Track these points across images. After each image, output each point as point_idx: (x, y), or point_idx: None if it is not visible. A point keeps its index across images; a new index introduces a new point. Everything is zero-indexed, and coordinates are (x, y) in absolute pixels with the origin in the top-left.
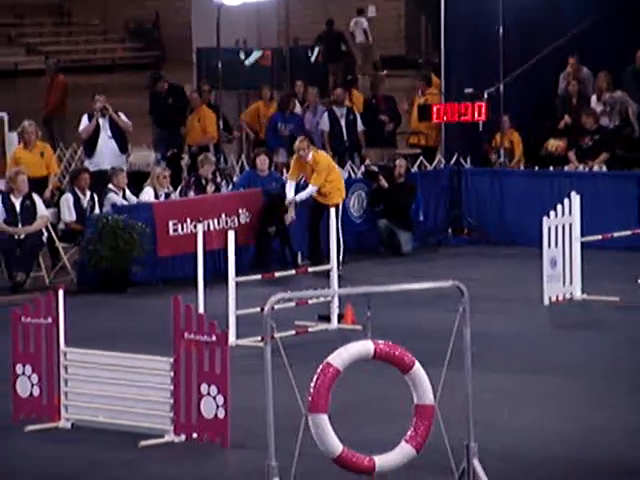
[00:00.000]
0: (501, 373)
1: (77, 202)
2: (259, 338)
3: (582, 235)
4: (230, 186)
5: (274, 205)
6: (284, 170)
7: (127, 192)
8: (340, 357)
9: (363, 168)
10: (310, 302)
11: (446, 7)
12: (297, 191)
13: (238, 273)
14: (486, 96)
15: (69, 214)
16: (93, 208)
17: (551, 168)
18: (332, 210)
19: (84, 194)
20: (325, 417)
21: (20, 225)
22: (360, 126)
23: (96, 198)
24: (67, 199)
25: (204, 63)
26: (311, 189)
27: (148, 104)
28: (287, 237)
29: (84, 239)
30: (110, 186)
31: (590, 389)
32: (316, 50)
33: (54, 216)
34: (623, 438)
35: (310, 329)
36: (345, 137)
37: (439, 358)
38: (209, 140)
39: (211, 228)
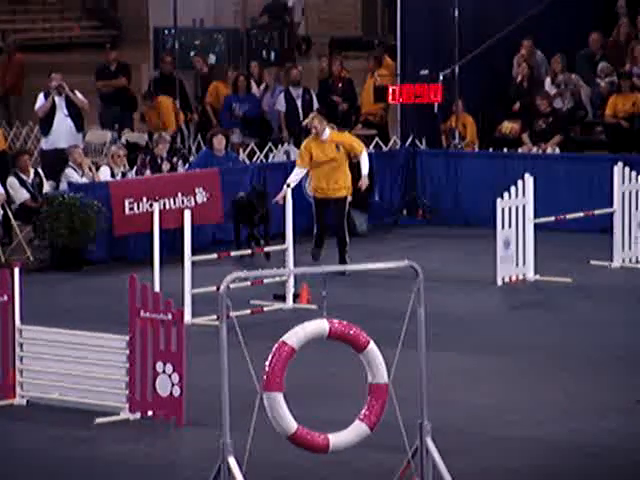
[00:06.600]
0: (455, 352)
1: (23, 183)
2: (215, 317)
3: (535, 216)
4: (186, 166)
5: (245, 207)
6: (240, 150)
7: (86, 169)
8: (295, 336)
9: None
10: (265, 281)
11: None
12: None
13: (194, 252)
14: (441, 78)
15: (21, 194)
16: (41, 184)
17: (505, 150)
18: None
19: (27, 174)
20: (280, 395)
21: None
22: (316, 106)
23: (42, 173)
24: (12, 183)
25: (161, 43)
26: (365, 158)
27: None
28: (268, 219)
29: (40, 217)
30: (70, 163)
31: (543, 368)
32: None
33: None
34: (576, 415)
35: (265, 308)
36: (301, 118)
37: (394, 337)
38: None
39: (167, 207)
